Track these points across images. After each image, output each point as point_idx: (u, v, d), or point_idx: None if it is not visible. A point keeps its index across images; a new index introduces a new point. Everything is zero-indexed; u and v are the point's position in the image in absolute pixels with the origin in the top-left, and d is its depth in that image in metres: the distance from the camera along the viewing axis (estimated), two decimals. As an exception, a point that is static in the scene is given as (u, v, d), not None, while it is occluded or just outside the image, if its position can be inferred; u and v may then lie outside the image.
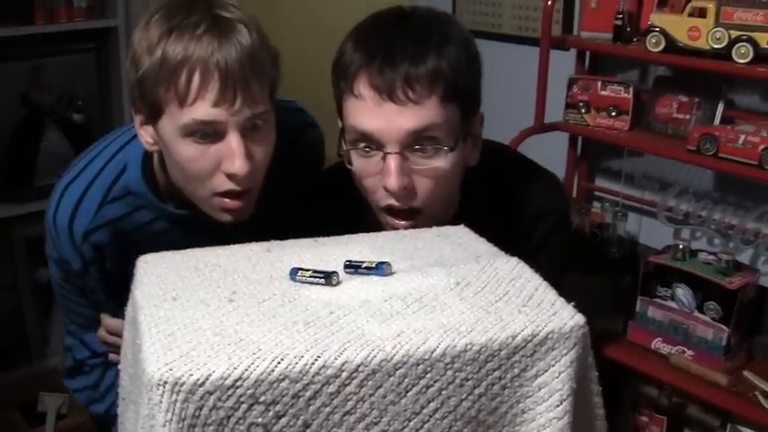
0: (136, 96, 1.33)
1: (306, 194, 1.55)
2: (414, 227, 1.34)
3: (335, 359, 0.91)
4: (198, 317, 0.99)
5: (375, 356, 0.92)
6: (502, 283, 1.09)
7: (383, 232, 1.31)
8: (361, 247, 1.20)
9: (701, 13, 1.93)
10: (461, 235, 1.26)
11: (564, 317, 1.01)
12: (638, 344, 2.12)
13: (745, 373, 1.99)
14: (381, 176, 1.32)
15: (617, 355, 2.12)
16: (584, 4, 2.26)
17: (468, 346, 0.95)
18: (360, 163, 1.36)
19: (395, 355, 0.93)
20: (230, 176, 1.30)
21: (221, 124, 1.27)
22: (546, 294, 1.06)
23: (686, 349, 2.03)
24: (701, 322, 1.98)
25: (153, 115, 1.31)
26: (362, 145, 1.34)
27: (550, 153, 2.40)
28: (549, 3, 2.25)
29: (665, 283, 2.03)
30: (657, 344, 2.08)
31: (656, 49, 2.01)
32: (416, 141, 1.31)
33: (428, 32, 1.34)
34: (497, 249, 1.20)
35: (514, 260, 1.15)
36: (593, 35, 2.23)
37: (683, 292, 2.00)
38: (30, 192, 2.69)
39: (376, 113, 1.30)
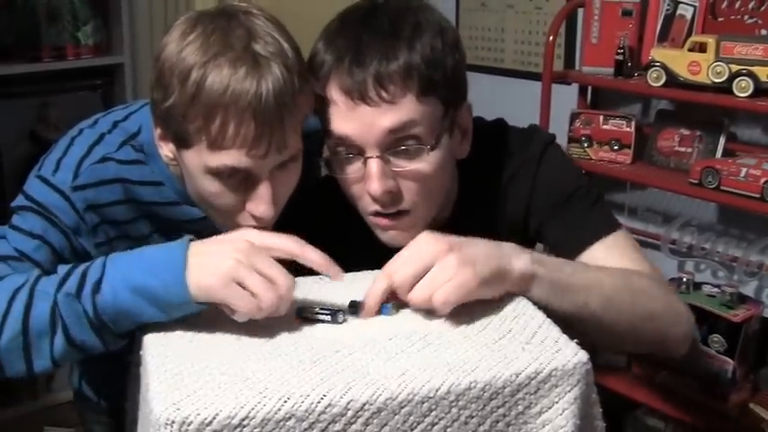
0: (157, 114, 1.24)
1: (299, 205, 1.45)
2: (402, 228, 1.29)
3: (341, 398, 0.92)
4: (205, 355, 1.00)
5: (380, 395, 0.93)
6: (505, 320, 1.09)
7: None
8: (365, 284, 1.21)
9: (702, 47, 1.95)
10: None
11: (567, 354, 1.02)
12: (643, 377, 2.12)
13: (751, 405, 1.99)
14: (364, 182, 1.25)
15: (621, 388, 2.11)
16: (585, 40, 2.28)
17: (473, 384, 0.96)
18: (342, 170, 1.29)
19: (400, 393, 0.94)
20: (254, 217, 1.25)
21: (251, 171, 1.21)
22: (549, 331, 1.07)
23: (692, 382, 2.02)
24: (706, 355, 1.98)
25: (176, 142, 1.24)
26: (342, 150, 1.26)
27: (554, 187, 2.42)
28: (551, 38, 2.28)
29: (670, 315, 2.03)
30: (662, 377, 2.08)
31: (657, 84, 2.03)
32: (396, 142, 1.23)
33: (398, 25, 1.25)
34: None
35: (518, 297, 1.16)
36: (595, 70, 2.25)
37: (687, 324, 2.00)
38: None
39: (350, 117, 1.23)
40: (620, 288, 1.24)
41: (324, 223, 1.41)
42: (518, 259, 1.16)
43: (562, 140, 2.28)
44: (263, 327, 1.07)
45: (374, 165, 1.23)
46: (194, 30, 1.20)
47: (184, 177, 1.30)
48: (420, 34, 1.24)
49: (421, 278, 1.10)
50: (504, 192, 1.41)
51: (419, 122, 1.23)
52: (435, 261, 1.10)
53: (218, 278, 1.07)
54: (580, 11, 2.34)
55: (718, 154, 2.10)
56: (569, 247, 1.35)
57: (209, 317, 1.10)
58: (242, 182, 1.22)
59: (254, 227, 1.24)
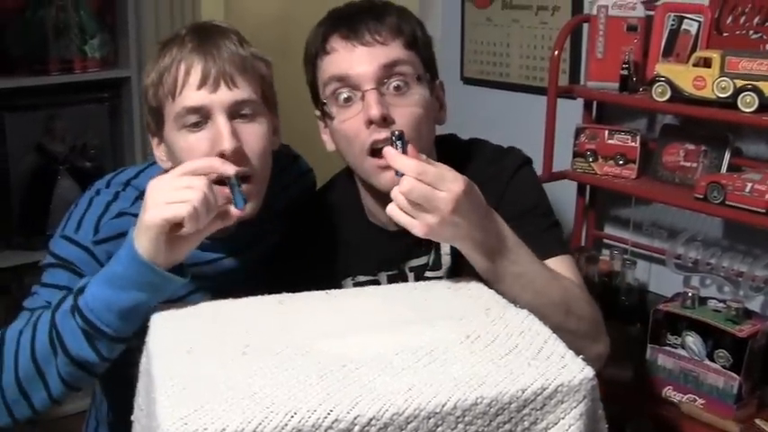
0: (148, 117, 1.48)
1: (297, 215, 1.66)
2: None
3: (347, 413, 0.93)
4: (212, 370, 1.01)
5: (387, 410, 0.94)
6: (511, 335, 1.10)
7: (393, 285, 1.33)
8: (372, 298, 1.22)
9: (707, 63, 1.96)
10: (471, 287, 1.28)
11: (573, 370, 1.02)
12: (648, 392, 2.11)
13: (757, 421, 1.98)
14: (363, 113, 1.41)
15: (627, 403, 2.11)
16: (590, 54, 2.28)
17: (479, 400, 0.97)
18: (340, 112, 1.45)
19: (406, 408, 0.94)
20: (222, 156, 1.37)
21: (207, 108, 1.38)
22: (555, 347, 1.07)
23: (697, 397, 2.02)
24: (712, 370, 1.97)
25: (159, 124, 1.45)
26: (342, 91, 1.45)
27: (559, 202, 2.41)
28: (556, 53, 2.28)
29: (675, 330, 2.03)
30: (668, 392, 2.07)
31: (662, 99, 2.03)
32: (389, 76, 1.43)
33: (386, 5, 1.51)
34: (506, 302, 1.21)
35: (524, 312, 1.16)
36: (600, 85, 2.25)
37: (692, 339, 2.00)
38: (43, 240, 2.70)
39: (349, 57, 1.44)
40: (561, 299, 1.34)
41: (322, 230, 1.60)
42: (488, 251, 1.29)
43: (567, 155, 2.29)
44: (269, 342, 1.07)
45: (371, 95, 1.41)
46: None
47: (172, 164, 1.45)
48: (406, 14, 1.51)
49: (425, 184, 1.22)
50: None
51: (407, 62, 1.45)
52: (442, 191, 1.21)
53: (151, 208, 1.23)
54: (585, 26, 2.34)
55: (724, 169, 2.10)
56: None
57: (215, 332, 1.10)
58: (206, 128, 1.39)
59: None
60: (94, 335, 1.27)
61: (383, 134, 1.39)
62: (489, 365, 1.02)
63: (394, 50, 1.44)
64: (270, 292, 1.30)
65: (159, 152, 1.50)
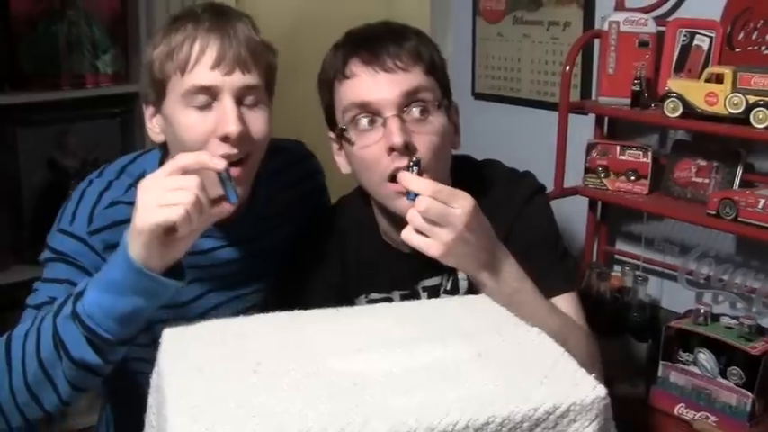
0: (147, 88, 1.47)
1: (312, 228, 1.66)
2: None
3: (359, 432, 0.92)
4: (223, 388, 1.00)
5: (398, 429, 0.93)
6: (523, 353, 1.09)
7: (404, 302, 1.33)
8: (383, 316, 1.21)
9: (718, 78, 1.95)
10: (483, 305, 1.27)
11: (585, 388, 1.02)
12: (660, 409, 2.10)
13: (770, 439, 1.97)
14: (384, 141, 1.42)
15: (639, 420, 2.10)
16: (601, 70, 2.28)
17: (491, 419, 0.96)
18: (360, 138, 1.46)
19: (417, 427, 0.94)
20: (224, 139, 1.38)
21: (217, 88, 1.38)
22: (567, 366, 1.07)
23: (710, 415, 2.01)
24: (725, 387, 1.96)
25: (159, 96, 1.44)
26: (361, 117, 1.45)
27: (570, 218, 2.41)
28: (568, 68, 2.28)
29: (688, 347, 2.02)
30: (680, 409, 2.06)
31: (674, 115, 2.03)
32: (409, 103, 1.44)
33: (404, 28, 1.53)
34: (518, 319, 1.21)
35: (535, 330, 1.16)
36: (611, 100, 2.25)
37: (705, 357, 1.98)
38: (54, 254, 2.72)
39: (371, 84, 1.44)
40: (558, 331, 1.33)
41: (336, 247, 1.61)
42: (491, 270, 1.36)
43: (579, 171, 2.29)
44: (280, 360, 1.07)
45: (394, 121, 1.41)
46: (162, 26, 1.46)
47: (168, 140, 1.47)
48: (424, 38, 1.52)
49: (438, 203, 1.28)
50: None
51: (427, 89, 1.46)
52: (456, 208, 1.28)
53: (143, 212, 1.22)
54: (596, 41, 2.34)
55: (736, 185, 2.09)
56: None
57: (226, 349, 1.10)
58: (212, 109, 1.39)
59: (227, 155, 1.37)
60: (95, 340, 1.27)
61: (405, 161, 1.40)
62: (501, 384, 1.02)
63: (415, 77, 1.45)
64: (279, 301, 1.30)
65: (152, 124, 1.49)
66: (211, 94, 1.39)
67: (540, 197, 1.61)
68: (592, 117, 2.41)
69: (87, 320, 1.26)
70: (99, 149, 2.94)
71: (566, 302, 1.51)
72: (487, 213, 1.44)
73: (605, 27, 2.24)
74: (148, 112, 1.50)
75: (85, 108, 2.88)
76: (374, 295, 1.55)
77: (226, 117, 1.38)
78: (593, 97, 2.39)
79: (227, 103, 1.39)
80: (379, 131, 1.43)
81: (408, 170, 1.36)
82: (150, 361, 1.19)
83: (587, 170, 2.29)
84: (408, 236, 1.32)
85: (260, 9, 4.90)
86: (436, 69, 1.50)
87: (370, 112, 1.44)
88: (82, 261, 1.43)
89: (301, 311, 1.24)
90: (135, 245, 1.23)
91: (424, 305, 1.30)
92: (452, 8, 2.97)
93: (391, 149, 1.41)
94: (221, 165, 1.28)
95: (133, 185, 1.45)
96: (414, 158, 1.37)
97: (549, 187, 2.28)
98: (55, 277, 1.45)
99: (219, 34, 1.39)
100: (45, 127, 2.80)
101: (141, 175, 1.43)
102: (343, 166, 1.54)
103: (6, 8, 2.68)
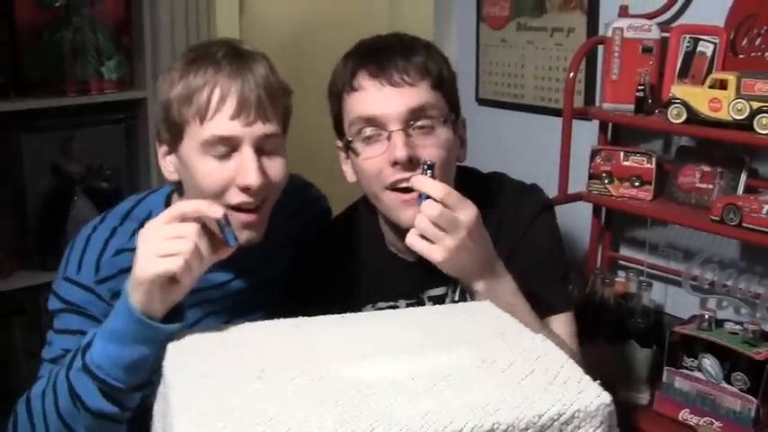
0: (161, 126, 1.46)
1: (315, 241, 1.68)
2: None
3: (364, 439, 0.92)
4: (228, 395, 1.01)
5: (403, 436, 0.93)
6: (528, 360, 1.09)
7: (409, 309, 1.34)
8: (388, 322, 1.21)
9: (722, 84, 1.95)
10: (487, 311, 1.27)
11: (590, 395, 1.02)
12: (665, 415, 2.10)
13: (775, 445, 1.97)
14: (388, 154, 1.44)
15: (644, 426, 2.09)
16: (605, 76, 2.28)
17: (495, 426, 0.96)
18: (365, 149, 1.47)
19: (422, 434, 0.94)
20: (244, 189, 1.39)
21: (237, 139, 1.38)
22: (572, 372, 1.07)
23: (714, 420, 2.00)
24: (729, 393, 1.96)
25: (175, 138, 1.43)
26: (367, 130, 1.46)
27: (574, 223, 2.41)
28: (572, 74, 2.29)
29: (692, 353, 2.02)
30: (685, 415, 2.06)
31: (678, 121, 2.03)
32: (415, 119, 1.45)
33: (414, 41, 1.53)
34: (523, 326, 1.21)
35: (540, 337, 1.16)
36: (615, 106, 2.25)
37: (709, 362, 1.98)
38: (58, 261, 2.71)
39: (377, 98, 1.45)
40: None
41: (342, 256, 1.63)
42: (487, 281, 1.40)
43: (582, 176, 2.29)
44: (285, 367, 1.07)
45: (398, 136, 1.43)
46: (180, 56, 1.45)
47: (184, 186, 1.47)
48: (432, 50, 1.53)
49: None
50: (492, 233, 1.51)
51: (434, 105, 1.46)
52: (461, 215, 1.32)
53: (143, 262, 1.23)
54: (600, 47, 2.34)
55: (740, 191, 2.09)
56: None
57: (231, 356, 1.10)
58: (231, 158, 1.39)
59: (245, 203, 1.41)
60: (107, 390, 1.29)
61: (407, 174, 1.42)
62: (506, 390, 1.02)
63: (421, 93, 1.46)
64: (286, 315, 1.31)
65: (166, 163, 1.49)
66: (231, 144, 1.39)
67: (547, 215, 1.63)
68: (595, 123, 2.41)
69: (97, 371, 1.27)
70: (103, 155, 2.95)
71: (562, 323, 1.55)
72: (494, 229, 1.46)
73: (609, 33, 2.25)
74: (162, 150, 1.49)
75: (90, 114, 2.89)
76: (381, 304, 1.57)
77: (246, 168, 1.38)
78: (597, 103, 2.40)
79: (247, 154, 1.39)
80: (383, 144, 1.45)
81: (423, 173, 1.38)
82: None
83: (591, 176, 2.29)
84: (412, 240, 1.34)
85: (265, 15, 4.95)
86: (444, 84, 1.50)
87: (376, 125, 1.45)
88: (92, 310, 1.46)
89: (305, 318, 1.24)
90: (135, 294, 1.24)
91: (428, 312, 1.30)
92: (456, 14, 2.97)
93: (395, 162, 1.43)
94: (219, 213, 1.28)
95: (137, 231, 1.44)
96: (427, 162, 1.39)
97: (553, 193, 2.29)
98: (66, 328, 1.47)
99: (240, 81, 1.39)
100: (50, 133, 2.82)
101: (147, 218, 1.48)
102: (350, 175, 1.55)
103: (12, 15, 2.69)
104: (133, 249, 1.35)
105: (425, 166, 1.38)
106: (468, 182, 1.58)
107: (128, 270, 1.38)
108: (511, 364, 1.08)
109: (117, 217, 1.55)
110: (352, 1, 4.59)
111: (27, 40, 2.74)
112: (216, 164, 1.39)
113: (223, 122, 1.37)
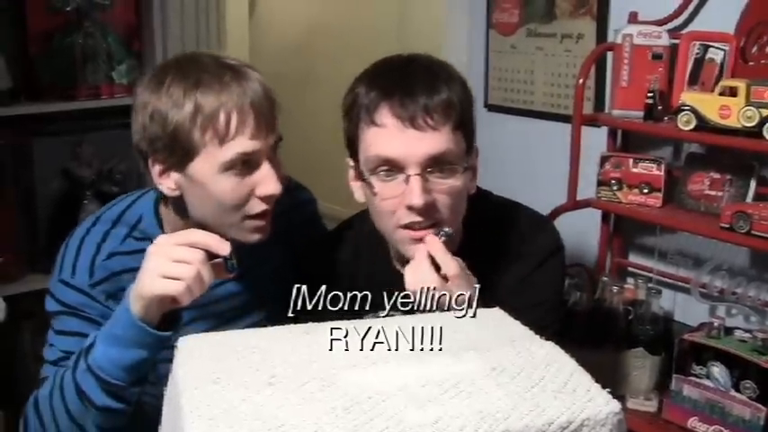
0: (158, 148, 1.45)
1: (315, 249, 1.71)
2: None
3: (374, 446, 0.92)
4: (239, 400, 1.01)
5: (413, 443, 0.93)
6: (537, 368, 1.09)
7: (418, 315, 1.33)
8: (396, 328, 1.21)
9: (732, 92, 1.95)
10: (496, 318, 1.27)
11: (599, 403, 1.01)
12: (673, 422, 2.10)
13: (784, 453, 1.96)
14: (404, 197, 1.44)
15: (653, 433, 2.10)
16: (615, 83, 2.28)
17: (505, 433, 0.96)
18: (381, 187, 1.47)
19: (432, 441, 0.94)
20: (264, 198, 1.46)
21: (258, 153, 1.44)
22: (581, 380, 1.06)
23: (723, 429, 2.00)
24: (738, 401, 1.96)
25: (182, 160, 1.44)
26: (384, 169, 1.46)
27: (584, 230, 2.42)
28: (581, 81, 2.29)
29: (701, 361, 2.01)
30: (694, 423, 2.06)
31: (688, 128, 2.03)
32: (434, 165, 1.44)
33: (435, 70, 1.50)
34: (532, 333, 1.21)
35: (549, 344, 1.16)
36: (625, 113, 2.25)
37: (718, 370, 1.98)
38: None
39: (399, 139, 1.43)
40: None
41: (349, 266, 1.65)
42: None
43: (592, 183, 2.29)
44: (295, 372, 1.08)
45: (416, 182, 1.42)
46: (166, 73, 1.45)
47: (190, 200, 1.49)
48: (453, 80, 1.49)
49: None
50: (500, 263, 1.57)
51: (453, 151, 1.45)
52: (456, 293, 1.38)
53: (145, 278, 1.31)
54: (610, 54, 2.34)
55: (749, 198, 2.09)
56: None
57: (241, 361, 1.11)
58: (250, 171, 1.45)
59: (264, 211, 1.48)
60: (111, 388, 1.36)
61: (420, 219, 1.45)
62: (515, 398, 1.02)
63: (443, 138, 1.44)
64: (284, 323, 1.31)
65: (168, 181, 1.49)
66: (252, 159, 1.44)
67: (555, 260, 1.63)
68: (605, 129, 2.42)
69: (99, 372, 1.35)
70: (113, 159, 2.95)
71: None
72: (502, 265, 1.51)
73: (619, 40, 2.25)
74: (156, 168, 1.48)
75: (101, 118, 2.90)
76: (382, 313, 1.56)
77: (267, 179, 1.46)
78: (607, 110, 2.40)
79: (266, 166, 1.46)
80: (400, 184, 1.45)
81: (438, 236, 1.43)
82: (157, 396, 1.21)
83: (600, 182, 2.29)
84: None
85: (274, 18, 4.97)
86: (465, 123, 1.48)
87: (395, 166, 1.45)
88: (89, 312, 1.51)
89: (316, 324, 1.24)
90: (137, 305, 1.33)
91: (438, 319, 1.30)
92: (466, 20, 2.98)
93: (410, 207, 1.43)
94: (227, 250, 1.35)
95: (129, 235, 1.55)
96: (445, 230, 1.43)
97: (562, 199, 2.29)
98: (66, 330, 1.52)
99: (248, 97, 1.43)
100: (60, 137, 2.82)
101: (138, 221, 1.56)
102: (359, 195, 1.56)
103: (23, 20, 2.70)
104: (125, 252, 1.46)
105: (443, 232, 1.43)
106: (482, 209, 1.59)
107: (120, 273, 1.49)
108: (520, 371, 1.08)
109: (108, 220, 1.58)
110: (362, 4, 4.59)
111: (38, 45, 2.75)
112: (236, 180, 1.44)
113: (244, 142, 1.43)
